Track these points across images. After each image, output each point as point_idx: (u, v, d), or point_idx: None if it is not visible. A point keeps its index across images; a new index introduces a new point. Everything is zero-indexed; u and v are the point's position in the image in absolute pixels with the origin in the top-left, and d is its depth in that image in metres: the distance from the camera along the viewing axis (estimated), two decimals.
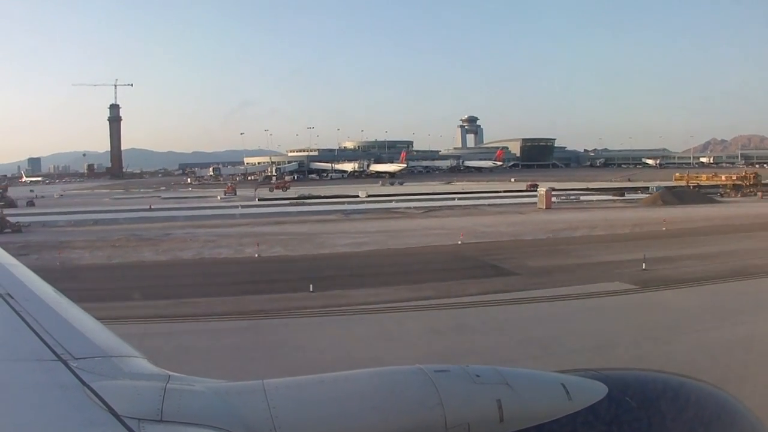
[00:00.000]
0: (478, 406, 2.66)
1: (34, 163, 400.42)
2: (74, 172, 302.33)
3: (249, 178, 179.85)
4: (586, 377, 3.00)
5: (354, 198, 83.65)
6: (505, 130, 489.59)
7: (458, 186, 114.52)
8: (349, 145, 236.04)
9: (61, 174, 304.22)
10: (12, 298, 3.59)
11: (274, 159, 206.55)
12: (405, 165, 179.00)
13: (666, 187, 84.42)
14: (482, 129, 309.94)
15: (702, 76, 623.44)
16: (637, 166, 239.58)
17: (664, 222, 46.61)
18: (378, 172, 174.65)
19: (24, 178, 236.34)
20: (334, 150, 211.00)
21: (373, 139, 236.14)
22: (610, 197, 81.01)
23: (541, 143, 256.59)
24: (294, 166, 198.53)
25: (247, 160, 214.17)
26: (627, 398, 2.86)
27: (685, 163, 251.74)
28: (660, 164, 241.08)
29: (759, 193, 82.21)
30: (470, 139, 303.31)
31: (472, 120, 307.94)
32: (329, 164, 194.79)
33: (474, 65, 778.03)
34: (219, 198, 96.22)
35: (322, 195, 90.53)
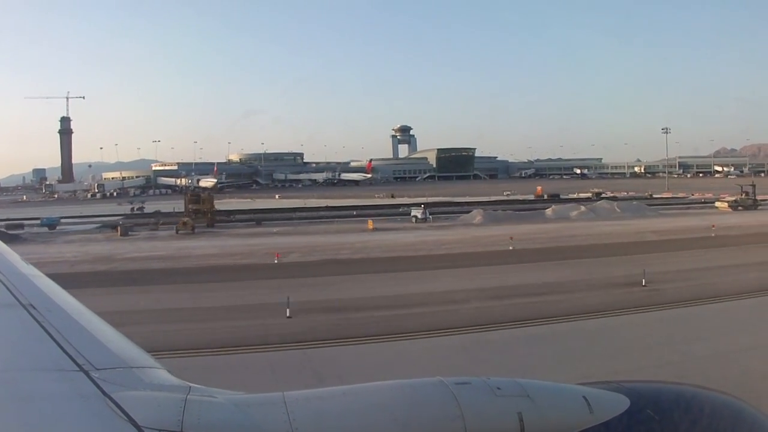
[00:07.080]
0: (498, 418, 2.60)
1: (39, 174, 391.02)
2: (28, 185, 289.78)
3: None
4: (607, 390, 2.93)
5: None
6: (443, 140, 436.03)
7: None
8: (234, 158, 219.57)
9: (13, 187, 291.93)
10: (35, 308, 3.63)
11: (125, 174, 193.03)
12: (216, 180, 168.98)
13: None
14: (416, 139, 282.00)
15: (714, 82, 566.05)
16: (564, 177, 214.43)
17: None
18: (202, 188, 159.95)
19: None
20: (191, 164, 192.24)
21: (260, 152, 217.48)
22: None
23: (461, 153, 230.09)
24: (140, 181, 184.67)
25: (104, 174, 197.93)
26: (649, 411, 2.80)
27: (619, 173, 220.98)
28: (583, 174, 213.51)
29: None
30: (403, 149, 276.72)
31: (404, 129, 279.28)
32: (173, 179, 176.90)
33: (414, 72, 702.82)
34: None
35: None
